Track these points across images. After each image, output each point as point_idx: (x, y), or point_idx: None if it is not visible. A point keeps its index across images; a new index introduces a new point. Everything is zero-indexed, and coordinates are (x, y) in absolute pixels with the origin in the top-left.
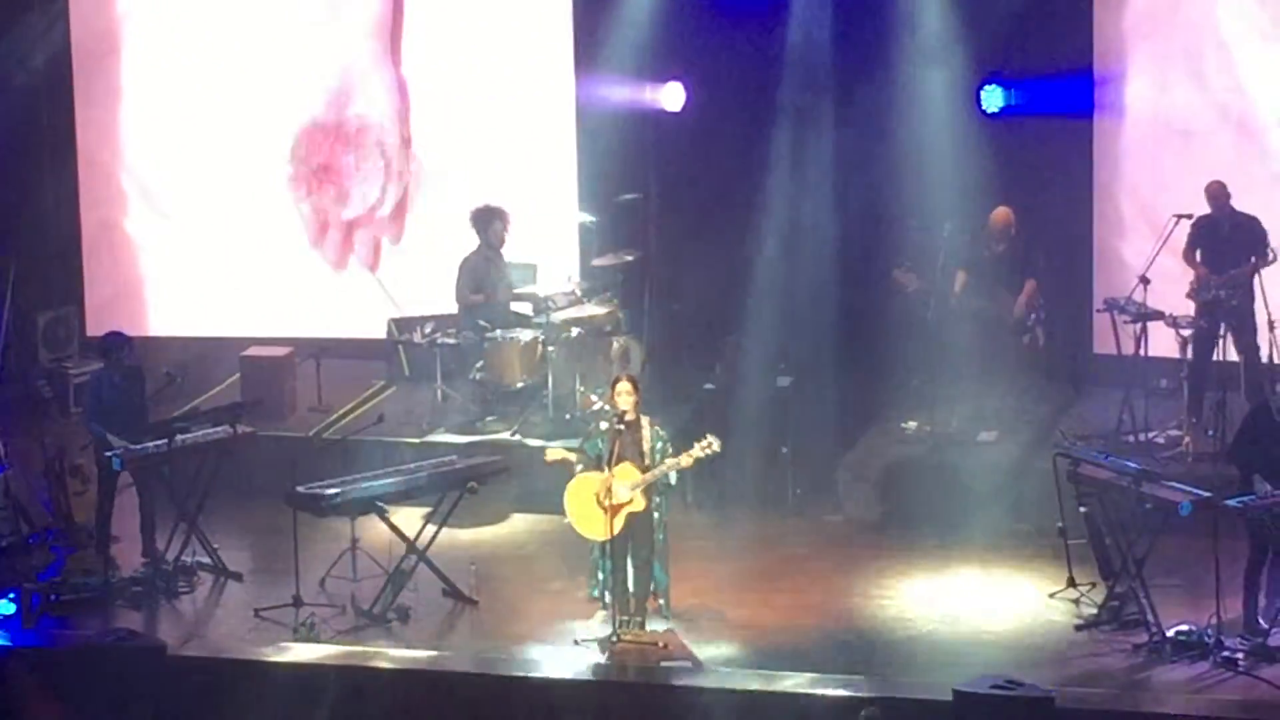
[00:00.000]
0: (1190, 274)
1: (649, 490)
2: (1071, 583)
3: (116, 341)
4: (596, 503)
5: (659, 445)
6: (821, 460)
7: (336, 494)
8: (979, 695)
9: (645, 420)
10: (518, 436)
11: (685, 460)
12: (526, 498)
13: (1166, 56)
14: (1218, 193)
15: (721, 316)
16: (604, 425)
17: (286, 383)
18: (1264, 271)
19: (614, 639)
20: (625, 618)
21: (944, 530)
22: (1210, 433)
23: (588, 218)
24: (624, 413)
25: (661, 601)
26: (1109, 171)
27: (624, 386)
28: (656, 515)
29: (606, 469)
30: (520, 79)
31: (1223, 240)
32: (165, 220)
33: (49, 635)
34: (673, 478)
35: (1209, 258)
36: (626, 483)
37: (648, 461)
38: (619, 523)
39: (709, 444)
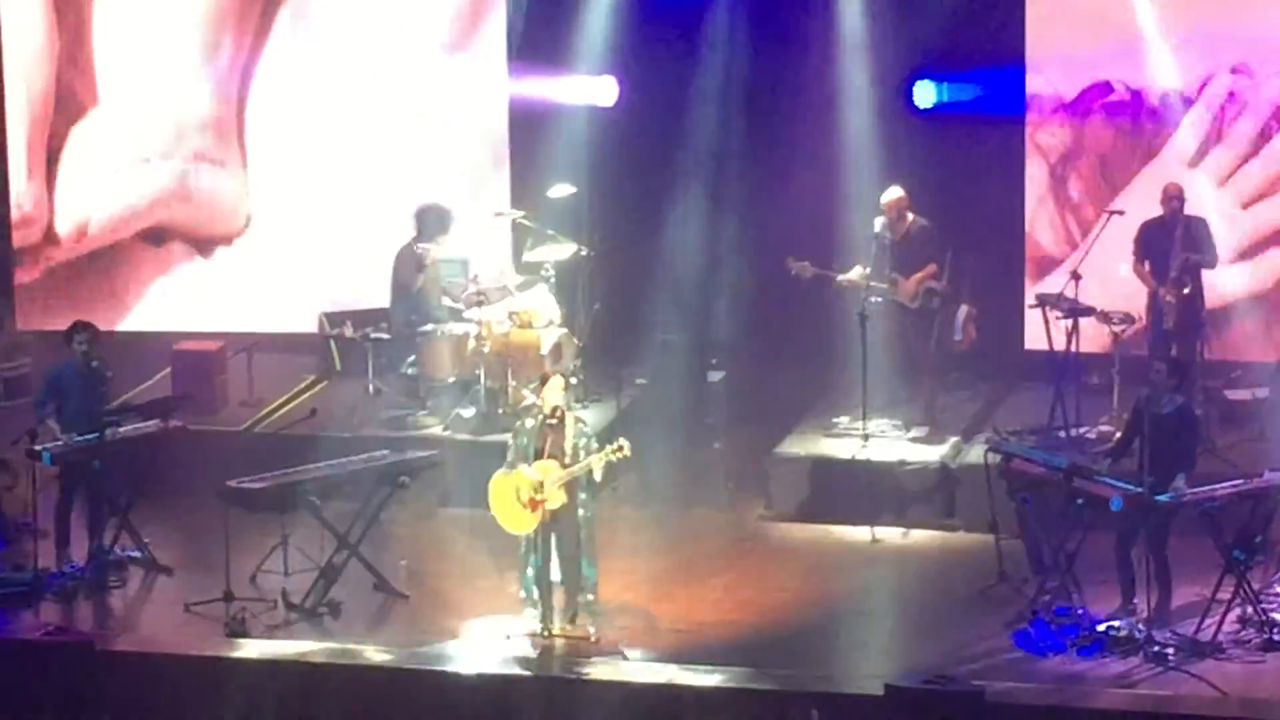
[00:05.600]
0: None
1: (571, 486)
2: (1003, 577)
3: (77, 330)
4: (516, 498)
5: (581, 442)
6: (752, 455)
7: (268, 488)
8: (910, 690)
9: (570, 417)
10: (449, 431)
11: (595, 461)
12: (458, 493)
13: (1097, 50)
14: (1175, 194)
15: (654, 312)
16: (530, 422)
17: (217, 377)
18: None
19: (544, 633)
20: (553, 610)
21: (875, 525)
22: None
23: (519, 213)
24: (555, 409)
25: (590, 597)
26: (1041, 166)
27: (555, 383)
28: (582, 512)
29: (530, 464)
30: (454, 72)
31: (1171, 245)
32: (96, 213)
33: None
34: (597, 474)
35: (1157, 263)
36: (547, 478)
37: (568, 459)
38: (540, 518)
39: (619, 447)
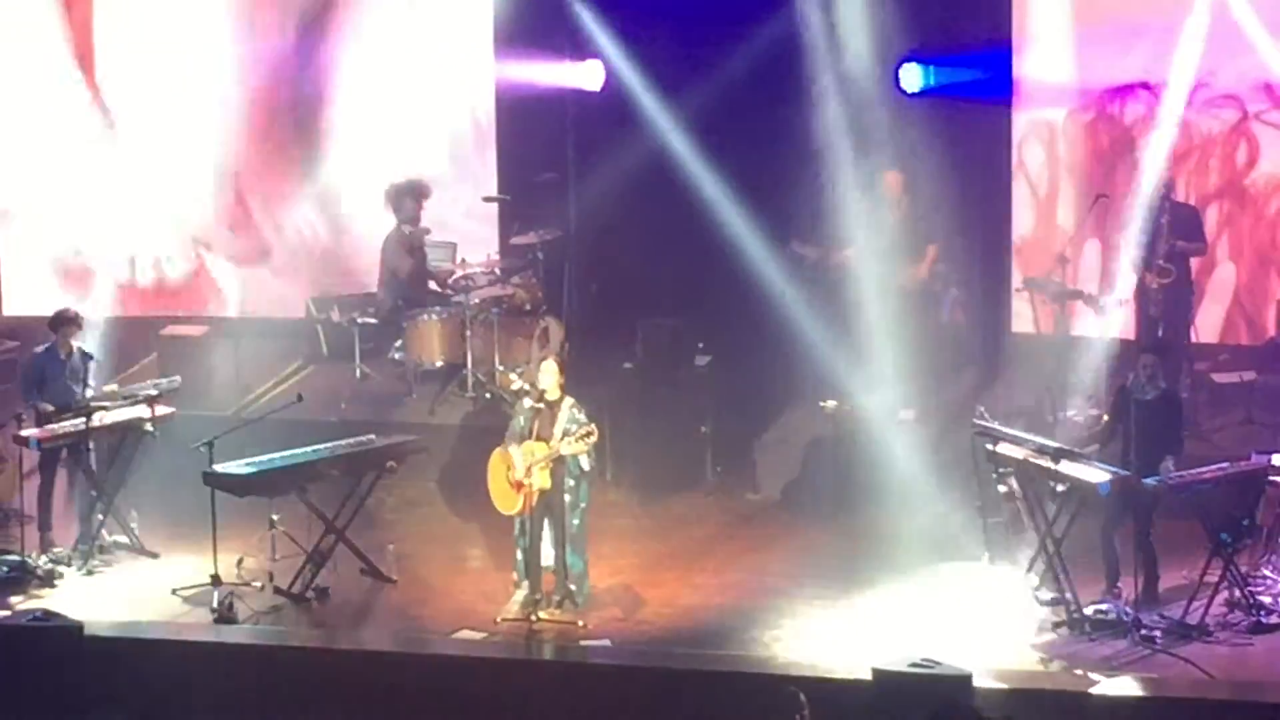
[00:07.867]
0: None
1: (556, 471)
2: (990, 561)
3: (62, 317)
4: (506, 477)
5: (572, 428)
6: (741, 439)
7: (255, 473)
8: (898, 674)
9: (567, 402)
10: (436, 416)
11: (564, 446)
12: (445, 477)
13: (1086, 34)
14: (1164, 181)
15: (641, 296)
16: (527, 402)
17: (204, 362)
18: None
19: (534, 618)
20: (539, 596)
21: (863, 509)
22: None
23: (498, 196)
24: (543, 391)
25: (574, 587)
26: (1029, 150)
27: (547, 365)
28: (569, 498)
29: (520, 445)
30: (440, 57)
31: (1158, 230)
32: (85, 197)
33: None
34: (585, 462)
35: (1146, 247)
36: (529, 459)
37: (553, 443)
38: (530, 499)
39: (588, 432)
